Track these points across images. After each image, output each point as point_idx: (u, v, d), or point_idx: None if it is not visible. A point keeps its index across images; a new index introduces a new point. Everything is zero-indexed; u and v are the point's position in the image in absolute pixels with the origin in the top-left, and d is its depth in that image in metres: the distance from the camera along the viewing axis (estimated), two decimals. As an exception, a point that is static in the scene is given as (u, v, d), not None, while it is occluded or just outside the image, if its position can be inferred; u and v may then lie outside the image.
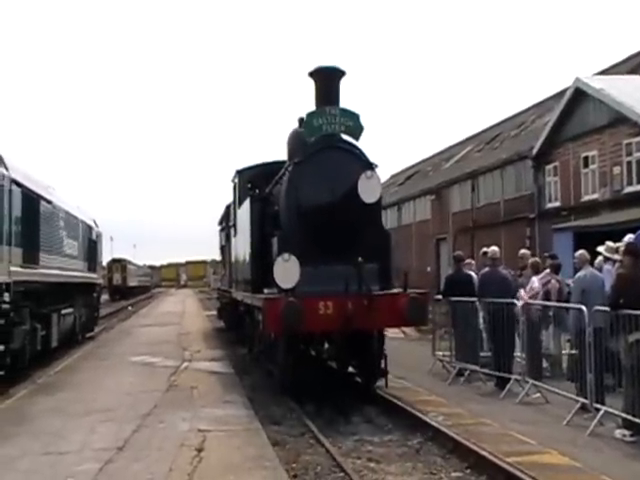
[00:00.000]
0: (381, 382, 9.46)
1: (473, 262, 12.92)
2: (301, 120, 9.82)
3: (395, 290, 9.12)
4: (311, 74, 9.42)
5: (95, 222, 20.27)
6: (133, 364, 12.79)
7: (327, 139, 9.22)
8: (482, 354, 10.30)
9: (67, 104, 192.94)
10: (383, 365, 9.29)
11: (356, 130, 9.27)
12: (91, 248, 18.57)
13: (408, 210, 34.35)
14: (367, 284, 8.50)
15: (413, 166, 42.24)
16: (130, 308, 38.81)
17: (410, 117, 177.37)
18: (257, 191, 11.00)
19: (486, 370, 10.06)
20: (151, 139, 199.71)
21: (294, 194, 9.15)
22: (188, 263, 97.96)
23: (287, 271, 8.42)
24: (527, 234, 22.33)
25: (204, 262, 78.75)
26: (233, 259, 14.00)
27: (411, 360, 12.93)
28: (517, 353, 9.57)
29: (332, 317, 8.24)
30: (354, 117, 9.26)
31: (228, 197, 14.17)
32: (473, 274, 11.52)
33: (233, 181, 12.62)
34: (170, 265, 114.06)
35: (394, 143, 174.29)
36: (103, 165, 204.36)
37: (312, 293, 8.32)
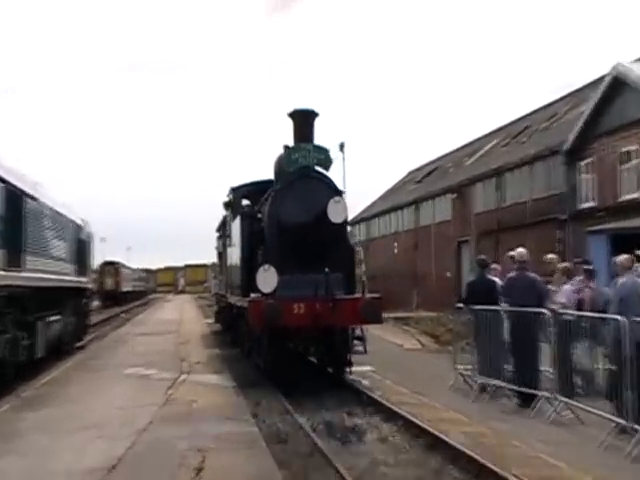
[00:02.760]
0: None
1: (498, 267, 12.89)
2: (286, 147, 12.54)
3: (357, 295, 11.81)
4: (290, 115, 12.33)
5: (85, 222, 20.32)
6: (127, 376, 12.82)
7: (302, 170, 12.10)
8: (507, 368, 10.26)
9: (58, 98, 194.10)
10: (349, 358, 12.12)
11: (326, 162, 12.22)
12: (81, 250, 18.62)
13: (427, 210, 34.30)
14: (332, 290, 11.22)
15: (432, 162, 42.18)
16: (123, 315, 38.93)
17: (430, 108, 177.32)
18: (248, 207, 14.10)
19: (512, 386, 10.02)
20: (147, 133, 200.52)
21: (275, 215, 12.11)
22: (187, 267, 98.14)
23: (267, 279, 11.25)
24: (557, 237, 22.22)
25: (204, 266, 78.81)
26: (228, 266, 16.62)
27: (429, 374, 12.93)
28: (547, 367, 9.52)
29: (303, 315, 11.03)
30: (325, 152, 12.23)
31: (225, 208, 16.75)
32: (497, 280, 11.48)
33: (228, 196, 15.60)
34: (167, 269, 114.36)
35: (411, 137, 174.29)
36: (95, 161, 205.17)
37: (288, 296, 11.07)
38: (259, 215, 13.06)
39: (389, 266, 38.48)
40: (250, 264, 12.41)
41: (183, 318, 32.82)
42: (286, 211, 12.02)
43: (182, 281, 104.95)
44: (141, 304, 58.40)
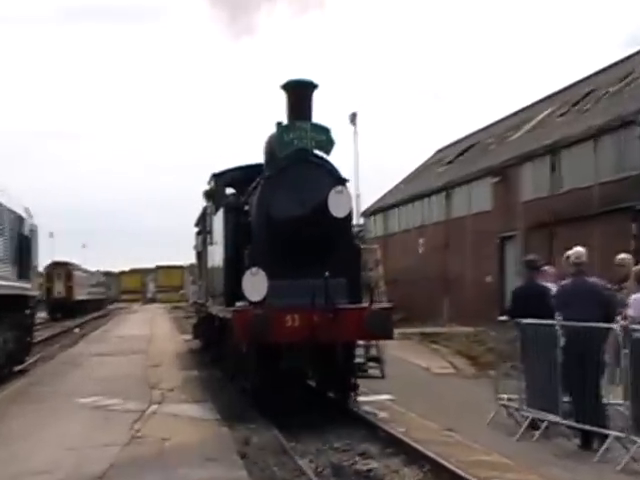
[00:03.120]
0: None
1: (552, 270, 12.81)
2: (279, 125, 12.60)
3: (362, 304, 11.99)
4: (283, 87, 12.49)
5: (28, 211, 20.30)
6: (81, 408, 12.81)
7: (298, 154, 12.27)
8: (565, 399, 10.19)
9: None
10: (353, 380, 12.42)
11: (327, 145, 12.37)
12: (22, 247, 18.58)
13: (461, 198, 34.23)
14: (333, 298, 11.37)
15: (468, 137, 42.11)
16: (77, 330, 39.02)
17: (464, 70, 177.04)
18: (234, 197, 14.28)
19: (571, 422, 9.95)
20: (106, 94, 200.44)
21: (265, 209, 12.23)
22: (159, 269, 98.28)
23: (255, 284, 11.39)
24: (633, 231, 22.05)
25: (180, 267, 79.06)
26: (209, 269, 16.69)
27: (464, 405, 12.89)
28: (617, 400, 9.45)
29: (298, 329, 11.16)
30: (325, 132, 12.36)
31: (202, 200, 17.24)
32: (552, 287, 11.41)
33: (209, 184, 15.73)
34: (133, 272, 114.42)
35: (441, 105, 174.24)
36: (43, 135, 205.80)
37: (280, 306, 11.22)
38: (246, 207, 13.20)
39: (413, 268, 38.39)
40: (235, 266, 12.51)
41: (154, 334, 32.87)
42: (278, 203, 12.17)
43: (152, 287, 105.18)
44: (100, 316, 58.62)
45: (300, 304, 11.34)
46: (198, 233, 21.85)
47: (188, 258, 31.01)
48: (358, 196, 50.21)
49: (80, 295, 58.69)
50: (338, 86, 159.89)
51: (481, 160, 34.17)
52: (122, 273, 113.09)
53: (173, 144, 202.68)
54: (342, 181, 12.28)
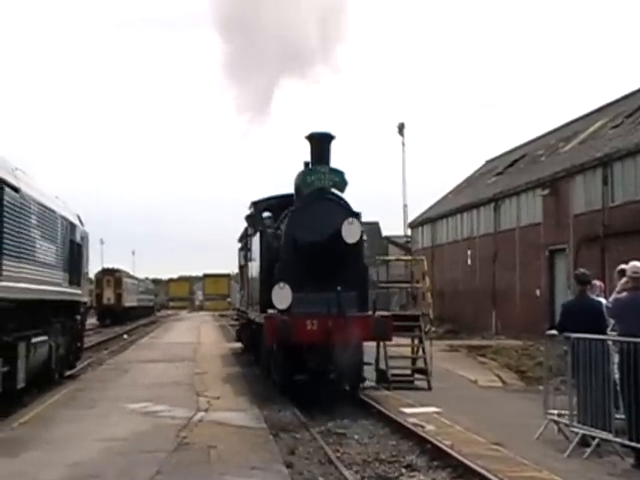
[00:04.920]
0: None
1: (601, 284, 12.60)
2: (306, 164, 15.94)
3: (368, 313, 14.79)
4: (307, 137, 15.72)
5: (80, 218, 20.56)
6: (130, 413, 12.93)
7: (318, 192, 15.46)
8: (618, 416, 10.00)
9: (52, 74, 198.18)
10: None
11: (341, 184, 15.61)
12: (74, 254, 18.80)
13: (509, 209, 33.94)
14: (344, 308, 14.19)
15: (518, 148, 41.77)
16: (126, 337, 39.41)
17: (515, 79, 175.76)
18: (269, 220, 17.44)
19: (625, 440, 9.75)
20: (162, 119, 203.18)
21: (291, 235, 15.41)
22: (206, 277, 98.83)
23: (282, 296, 14.37)
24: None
25: (227, 276, 79.58)
26: (249, 280, 20.19)
27: (512, 419, 12.76)
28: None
29: (316, 332, 14.02)
30: (340, 174, 15.63)
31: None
32: (604, 301, 11.21)
33: (249, 209, 19.32)
34: (181, 279, 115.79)
35: (491, 116, 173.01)
36: (95, 147, 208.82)
37: (302, 313, 14.20)
38: (278, 232, 16.26)
39: (461, 280, 38.19)
40: (268, 280, 15.45)
41: (201, 342, 33.08)
42: (302, 231, 15.21)
43: (200, 294, 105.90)
44: (148, 323, 59.12)
45: (318, 312, 14.15)
46: (240, 249, 24.88)
47: (234, 267, 31.46)
48: (405, 207, 50.40)
49: (129, 302, 59.34)
50: (386, 97, 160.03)
51: (531, 171, 33.82)
52: (170, 280, 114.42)
53: (226, 157, 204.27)
54: (353, 214, 15.11)
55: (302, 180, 15.75)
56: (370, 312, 14.79)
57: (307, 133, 15.73)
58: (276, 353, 15.09)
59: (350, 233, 14.58)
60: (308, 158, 16.05)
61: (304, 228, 15.16)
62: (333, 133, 15.92)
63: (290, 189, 16.84)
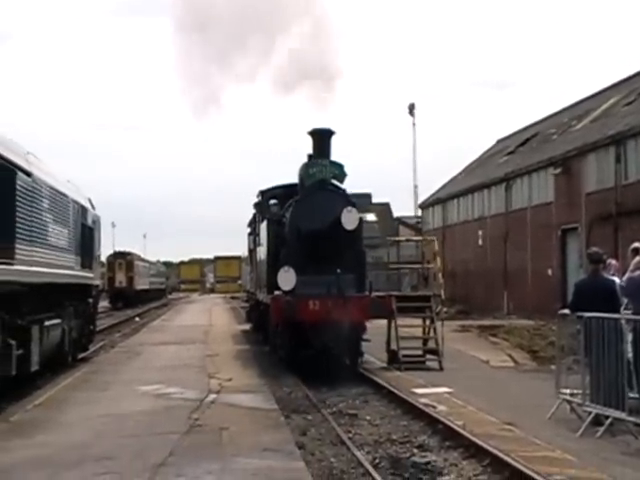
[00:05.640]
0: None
1: (615, 263, 12.55)
2: (310, 156, 17.40)
3: (365, 293, 16.23)
4: (309, 133, 17.21)
5: (91, 202, 20.63)
6: (142, 396, 13.01)
7: (320, 183, 16.91)
8: (632, 395, 9.98)
9: (60, 47, 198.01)
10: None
11: (341, 176, 17.06)
12: (86, 237, 18.88)
13: (521, 189, 33.80)
14: (343, 289, 15.61)
15: (530, 127, 41.53)
16: (138, 319, 39.60)
17: (526, 57, 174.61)
18: (276, 206, 19.10)
19: (639, 419, 9.73)
20: (172, 98, 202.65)
21: (295, 223, 16.87)
22: (217, 259, 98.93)
23: (287, 278, 15.82)
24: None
25: (238, 258, 79.63)
26: (258, 264, 21.85)
27: (524, 399, 12.76)
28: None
29: (318, 311, 15.39)
30: (340, 167, 17.07)
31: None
32: (617, 280, 11.17)
33: (257, 197, 21.13)
34: (192, 262, 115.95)
35: (503, 94, 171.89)
36: (106, 130, 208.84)
37: (305, 294, 15.63)
38: (283, 219, 17.67)
39: (472, 261, 38.11)
40: (275, 264, 16.85)
41: (212, 324, 33.20)
42: (305, 219, 16.63)
43: (211, 277, 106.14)
44: (160, 306, 59.37)
45: (319, 293, 15.56)
46: (250, 234, 26.41)
47: (245, 249, 31.80)
48: (416, 187, 50.38)
49: (140, 285, 59.54)
50: (397, 77, 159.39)
51: (543, 150, 33.67)
52: (181, 263, 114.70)
53: (238, 139, 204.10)
54: (352, 203, 16.56)
55: (305, 172, 17.11)
56: (367, 293, 16.19)
57: (310, 129, 17.20)
58: (282, 331, 16.56)
59: (349, 220, 16.12)
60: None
61: (307, 217, 16.60)
62: (333, 129, 17.31)
63: (295, 179, 18.17)
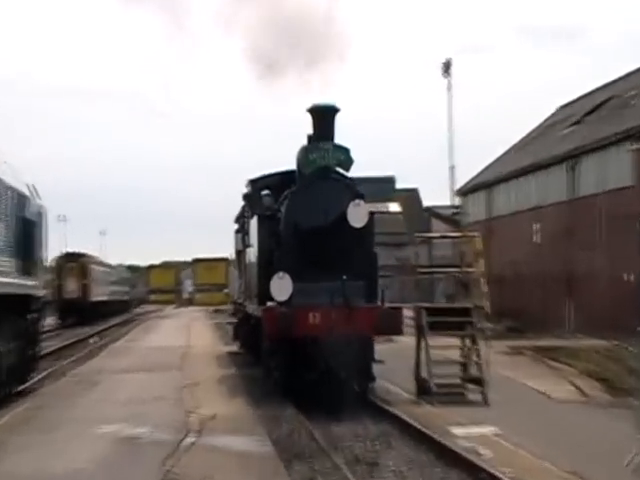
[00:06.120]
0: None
1: None
2: (309, 137, 17.78)
3: (375, 304, 16.65)
4: (309, 110, 17.64)
5: (35, 190, 20.58)
6: (100, 439, 12.97)
7: (321, 171, 17.33)
8: None
9: None
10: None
11: (347, 163, 17.47)
12: (26, 235, 18.77)
13: (590, 170, 33.76)
14: (349, 298, 16.01)
15: (602, 89, 41.47)
16: (95, 340, 39.60)
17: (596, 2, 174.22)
18: (269, 197, 19.07)
19: None
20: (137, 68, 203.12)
21: (292, 219, 17.27)
22: (197, 262, 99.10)
23: (282, 286, 16.22)
24: None
25: (224, 260, 79.79)
26: (247, 269, 22.40)
27: (593, 442, 12.74)
28: None
29: (319, 325, 15.79)
30: (345, 152, 17.46)
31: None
32: None
33: (247, 187, 21.20)
34: (166, 266, 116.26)
35: (567, 48, 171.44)
36: (56, 105, 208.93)
37: (303, 305, 16.03)
38: (278, 214, 17.96)
39: (526, 262, 38.05)
40: (267, 269, 17.25)
41: (191, 344, 33.26)
42: (303, 214, 17.17)
43: (189, 284, 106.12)
44: (123, 322, 59.44)
45: (321, 303, 15.98)
46: (237, 231, 26.67)
47: (229, 250, 31.85)
48: (452, 168, 50.47)
49: (98, 295, 59.68)
50: (427, 27, 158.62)
51: (619, 119, 33.61)
52: (151, 268, 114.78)
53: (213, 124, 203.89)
54: (360, 195, 17.01)
55: (304, 157, 17.64)
56: (379, 303, 16.68)
57: (309, 106, 17.65)
58: (276, 350, 17.12)
59: (356, 216, 16.69)
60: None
61: (305, 211, 17.19)
62: (337, 105, 17.73)
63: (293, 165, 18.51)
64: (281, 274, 16.31)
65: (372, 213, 17.32)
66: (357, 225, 16.69)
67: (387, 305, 16.69)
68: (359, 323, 15.83)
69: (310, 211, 17.08)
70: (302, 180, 17.68)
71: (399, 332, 17.26)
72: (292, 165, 18.51)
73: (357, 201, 16.78)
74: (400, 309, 17.01)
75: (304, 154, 17.65)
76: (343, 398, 15.53)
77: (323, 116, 17.66)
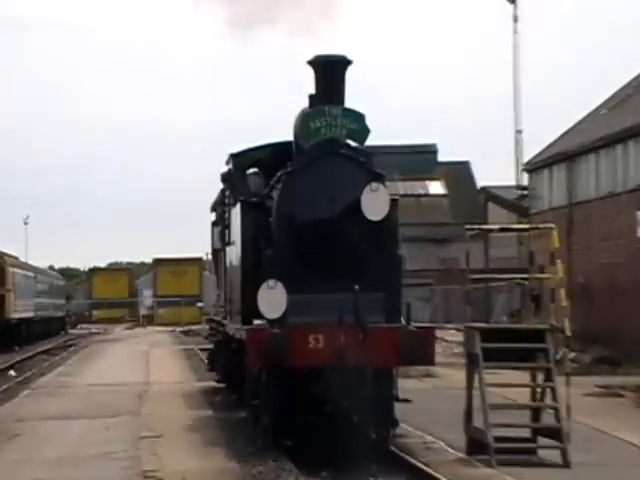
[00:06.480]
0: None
1: None
2: (311, 99, 17.73)
3: (396, 324, 16.66)
4: (310, 63, 17.41)
5: None
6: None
7: (326, 145, 17.24)
8: None
9: None
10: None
11: (361, 133, 17.36)
12: None
13: (638, 159, 33.85)
14: (365, 315, 15.85)
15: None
16: (14, 373, 39.59)
17: None
18: (256, 177, 19.88)
19: None
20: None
21: (287, 209, 17.16)
22: (160, 264, 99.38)
23: (272, 299, 15.93)
24: None
25: (198, 261, 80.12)
26: (227, 274, 22.53)
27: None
28: None
29: (323, 351, 15.69)
30: (359, 118, 17.33)
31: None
32: None
33: (227, 165, 21.09)
34: (115, 270, 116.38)
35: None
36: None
37: (301, 324, 15.97)
38: (268, 202, 18.05)
39: (623, 267, 37.95)
40: (254, 276, 17.21)
41: (151, 380, 33.39)
42: (302, 203, 17.08)
43: (149, 296, 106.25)
44: (56, 347, 59.48)
45: (325, 322, 15.90)
46: (214, 223, 27.04)
47: (207, 247, 31.69)
48: (519, 133, 50.43)
49: (19, 310, 59.69)
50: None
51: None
52: (95, 272, 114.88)
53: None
54: (378, 177, 17.12)
55: (303, 126, 17.56)
56: (403, 322, 16.82)
57: (311, 57, 17.53)
58: (266, 384, 16.88)
59: (374, 206, 16.65)
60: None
61: (305, 198, 17.13)
62: (349, 57, 17.57)
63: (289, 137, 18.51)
64: (272, 282, 16.10)
65: (395, 200, 17.37)
66: (374, 218, 16.63)
67: (414, 325, 16.50)
68: (376, 349, 15.73)
69: (311, 198, 16.98)
70: (301, 156, 17.55)
71: (430, 362, 17.39)
72: (288, 135, 18.41)
73: (375, 185, 16.71)
74: (431, 330, 17.16)
75: (304, 121, 17.52)
76: (357, 449, 15.36)
77: (330, 71, 17.41)
